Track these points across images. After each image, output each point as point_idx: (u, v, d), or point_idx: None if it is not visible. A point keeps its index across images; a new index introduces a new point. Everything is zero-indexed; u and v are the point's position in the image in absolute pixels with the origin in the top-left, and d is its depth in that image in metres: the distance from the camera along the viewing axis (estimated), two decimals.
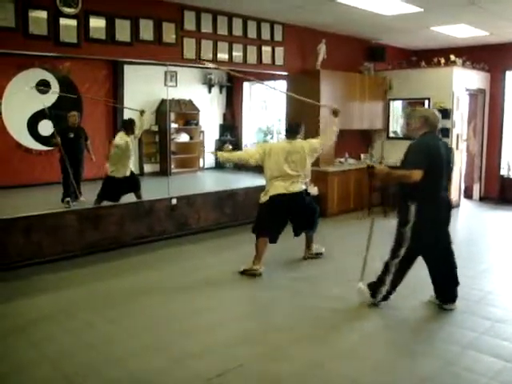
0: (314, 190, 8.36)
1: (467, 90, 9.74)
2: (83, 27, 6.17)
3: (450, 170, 4.70)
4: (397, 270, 4.58)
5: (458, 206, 9.62)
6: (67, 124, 7.79)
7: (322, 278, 5.70)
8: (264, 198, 5.85)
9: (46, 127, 7.94)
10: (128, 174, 7.56)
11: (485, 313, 4.66)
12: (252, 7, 7.36)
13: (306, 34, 8.72)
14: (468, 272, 4.97)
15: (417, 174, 4.34)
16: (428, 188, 4.42)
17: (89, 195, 7.77)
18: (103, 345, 3.97)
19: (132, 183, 7.60)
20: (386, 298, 4.70)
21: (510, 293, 5.23)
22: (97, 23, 6.28)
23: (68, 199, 7.48)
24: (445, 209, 4.63)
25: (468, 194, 10.55)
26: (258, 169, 8.76)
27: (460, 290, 4.75)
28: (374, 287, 4.72)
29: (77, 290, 5.20)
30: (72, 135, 7.73)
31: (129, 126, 7.60)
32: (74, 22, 6.06)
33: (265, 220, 5.82)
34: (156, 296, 5.06)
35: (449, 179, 4.69)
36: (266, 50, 8.21)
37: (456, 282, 4.75)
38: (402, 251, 4.53)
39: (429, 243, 4.57)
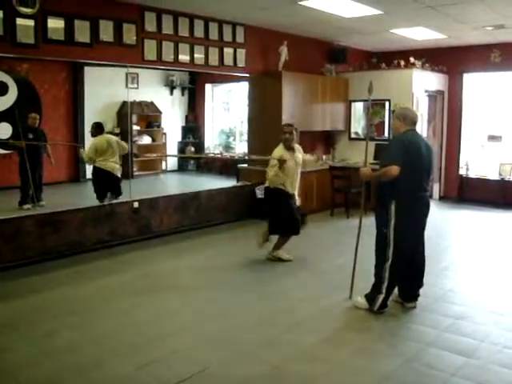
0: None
1: (426, 91, 9.92)
2: (41, 28, 6.02)
3: (430, 170, 4.62)
4: (390, 274, 4.52)
5: None
6: (27, 125, 7.63)
7: (287, 279, 5.69)
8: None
9: (2, 130, 7.77)
10: None
11: (445, 310, 4.74)
12: (213, 9, 7.33)
13: (267, 36, 8.73)
14: (429, 270, 5.04)
15: (394, 170, 4.30)
16: (406, 186, 4.38)
17: (49, 200, 7.63)
18: (65, 353, 3.87)
19: None
20: (385, 305, 4.62)
21: (470, 290, 5.33)
22: (55, 24, 6.15)
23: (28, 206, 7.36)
24: (423, 209, 4.59)
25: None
26: (221, 171, 8.79)
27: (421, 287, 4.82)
28: (370, 297, 4.65)
29: (37, 296, 5.07)
30: (31, 137, 7.57)
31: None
32: (31, 23, 5.92)
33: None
34: (119, 301, 4.98)
35: (429, 179, 4.60)
36: (228, 51, 8.19)
37: (421, 283, 4.81)
38: (390, 253, 4.49)
39: (408, 243, 4.55)
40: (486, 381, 3.45)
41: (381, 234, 4.59)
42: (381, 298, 4.58)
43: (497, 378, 3.50)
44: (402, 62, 9.55)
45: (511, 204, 9.65)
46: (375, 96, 9.56)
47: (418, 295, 4.80)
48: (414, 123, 4.61)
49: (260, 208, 7.55)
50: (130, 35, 6.89)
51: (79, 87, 9.39)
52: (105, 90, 9.39)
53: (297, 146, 6.30)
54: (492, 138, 10.13)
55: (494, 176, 10.02)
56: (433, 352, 3.89)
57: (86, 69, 9.14)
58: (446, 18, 7.48)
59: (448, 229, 8.38)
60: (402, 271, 4.62)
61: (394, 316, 4.62)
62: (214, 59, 7.98)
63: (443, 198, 10.62)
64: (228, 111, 12.19)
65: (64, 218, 6.35)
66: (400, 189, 4.40)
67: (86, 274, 5.76)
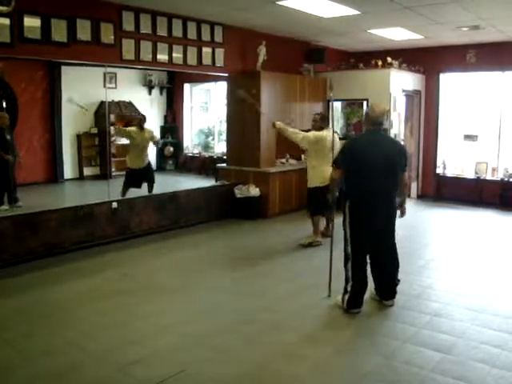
0: (255, 191, 8.45)
1: (404, 91, 10.00)
2: (17, 26, 5.94)
3: (392, 169, 4.53)
4: (353, 273, 4.59)
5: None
6: None
7: (267, 278, 5.71)
8: (315, 184, 6.73)
9: None
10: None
11: (423, 307, 4.80)
12: (192, 8, 7.31)
13: (246, 36, 8.74)
14: (407, 268, 5.11)
15: (334, 173, 4.62)
16: (354, 185, 4.56)
17: (26, 200, 7.53)
18: (43, 356, 3.82)
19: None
20: (355, 304, 4.62)
21: (448, 287, 5.40)
22: (31, 22, 6.07)
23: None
24: (374, 209, 4.55)
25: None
26: (199, 171, 8.67)
27: (399, 285, 4.86)
28: (342, 297, 4.70)
29: (13, 299, 5.00)
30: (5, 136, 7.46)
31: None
32: (6, 21, 5.84)
33: (319, 201, 6.54)
34: (98, 303, 4.93)
35: (391, 178, 4.53)
36: (207, 51, 8.18)
37: (397, 281, 4.83)
38: (349, 251, 4.58)
39: (363, 241, 4.61)
40: (463, 376, 3.50)
41: (343, 230, 4.70)
42: (346, 297, 4.63)
43: (474, 373, 3.55)
44: (380, 62, 9.62)
45: (487, 202, 9.80)
46: (353, 95, 9.75)
47: (395, 293, 4.84)
48: (377, 123, 4.57)
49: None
50: (107, 34, 6.83)
51: (56, 87, 9.30)
52: (82, 89, 9.30)
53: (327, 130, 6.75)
54: (468, 137, 10.26)
55: (470, 175, 10.16)
56: (411, 349, 3.93)
57: (64, 68, 9.04)
58: (422, 18, 7.56)
59: (425, 227, 8.47)
60: (362, 269, 4.64)
61: (373, 314, 4.66)
62: (192, 59, 7.96)
63: (421, 197, 10.74)
64: (207, 111, 12.16)
65: (42, 218, 6.27)
66: (349, 188, 4.61)
67: (64, 276, 5.69)
